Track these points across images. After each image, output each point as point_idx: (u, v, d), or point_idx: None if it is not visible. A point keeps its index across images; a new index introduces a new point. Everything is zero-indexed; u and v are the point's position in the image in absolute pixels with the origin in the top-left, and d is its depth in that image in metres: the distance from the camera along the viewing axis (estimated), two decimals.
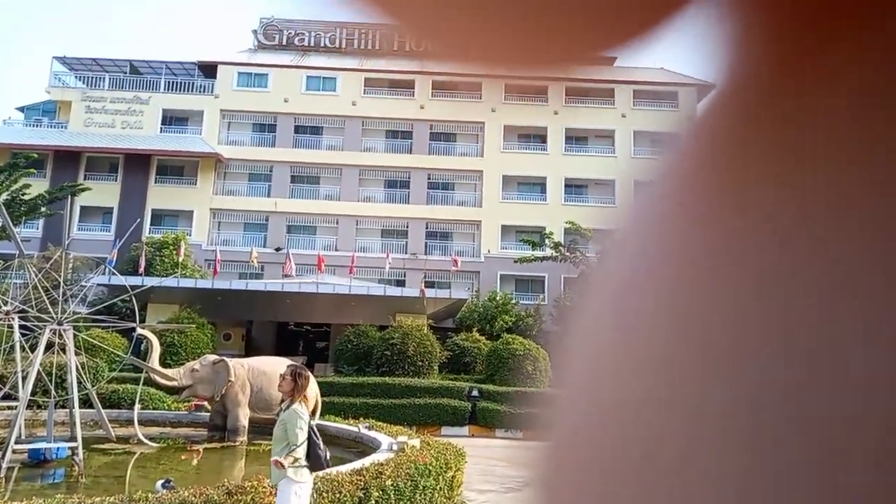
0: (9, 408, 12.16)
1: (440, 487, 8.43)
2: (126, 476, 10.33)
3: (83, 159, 35.56)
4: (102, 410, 11.99)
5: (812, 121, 0.18)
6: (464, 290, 27.74)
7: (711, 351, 0.17)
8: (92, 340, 14.68)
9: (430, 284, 26.60)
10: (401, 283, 30.67)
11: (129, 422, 12.86)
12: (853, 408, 0.15)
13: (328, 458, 5.96)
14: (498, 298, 29.58)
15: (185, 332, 21.27)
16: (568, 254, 25.88)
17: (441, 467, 8.67)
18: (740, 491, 0.16)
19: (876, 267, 0.15)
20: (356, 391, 19.58)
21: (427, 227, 35.85)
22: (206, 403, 13.95)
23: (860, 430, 0.14)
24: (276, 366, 12.20)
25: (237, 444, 12.91)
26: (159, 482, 7.85)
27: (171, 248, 28.81)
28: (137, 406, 13.30)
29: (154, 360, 13.39)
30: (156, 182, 35.80)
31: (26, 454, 10.37)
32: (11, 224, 11.64)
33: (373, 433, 11.93)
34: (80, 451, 9.91)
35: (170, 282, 22.51)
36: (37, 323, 11.63)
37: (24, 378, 10.65)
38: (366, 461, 8.51)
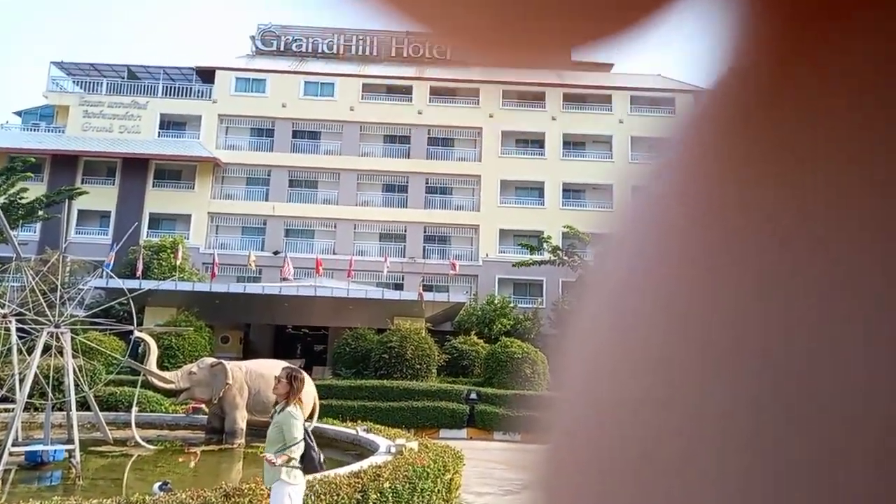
0: (6, 410, 12.14)
1: (438, 490, 8.42)
2: (123, 479, 10.30)
3: (81, 163, 35.56)
4: (100, 413, 11.97)
5: (811, 120, 0.18)
6: (462, 294, 27.73)
7: (710, 351, 0.17)
8: (89, 343, 14.67)
9: (428, 288, 26.57)
10: (399, 287, 30.66)
11: (127, 424, 12.84)
12: (853, 408, 0.15)
13: (322, 460, 5.96)
14: (496, 302, 29.59)
15: (182, 335, 21.24)
16: (566, 258, 25.91)
17: (439, 470, 8.67)
18: (740, 491, 0.16)
19: (876, 267, 0.15)
20: (354, 394, 19.56)
21: (425, 231, 35.87)
22: (203, 406, 13.93)
23: (860, 430, 0.14)
24: (273, 369, 12.17)
25: (235, 446, 12.89)
26: (157, 485, 7.83)
27: (169, 251, 28.79)
28: (135, 409, 13.27)
29: (151, 363, 13.36)
30: (153, 186, 35.80)
31: (23, 457, 10.36)
32: (9, 227, 11.63)
33: (371, 436, 11.92)
34: (78, 453, 9.89)
35: (167, 285, 22.50)
36: (34, 326, 11.61)
37: (21, 380, 10.62)
38: (364, 464, 8.50)
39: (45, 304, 11.72)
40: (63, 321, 11.51)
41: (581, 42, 0.22)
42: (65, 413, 10.99)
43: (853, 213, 0.16)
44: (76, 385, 11.12)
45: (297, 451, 5.54)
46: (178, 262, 27.44)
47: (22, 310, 11.88)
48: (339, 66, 38.96)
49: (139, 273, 25.24)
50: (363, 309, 23.88)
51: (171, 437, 14.22)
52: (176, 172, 36.28)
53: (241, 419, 13.19)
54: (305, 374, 12.95)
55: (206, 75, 38.28)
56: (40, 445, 10.57)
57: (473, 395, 20.10)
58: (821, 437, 0.15)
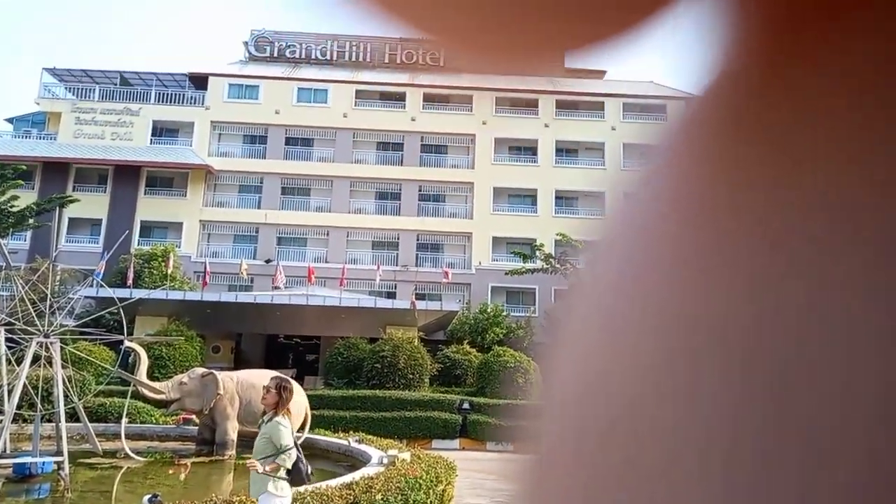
0: None
1: (431, 501, 8.38)
2: (112, 491, 10.23)
3: (72, 171, 35.40)
4: (89, 424, 11.88)
5: (808, 121, 0.18)
6: (455, 302, 27.70)
7: (698, 355, 0.17)
8: (79, 353, 14.55)
9: (420, 296, 26.53)
10: (391, 296, 30.61)
11: (117, 436, 12.75)
12: (842, 411, 0.14)
13: (310, 472, 5.92)
14: (489, 310, 29.57)
15: (173, 345, 21.13)
16: (559, 265, 25.94)
17: (431, 481, 8.63)
18: (724, 494, 0.15)
19: (869, 269, 0.15)
20: (346, 404, 19.49)
21: (418, 239, 35.85)
22: (194, 417, 13.84)
23: (848, 432, 0.14)
24: (265, 379, 12.01)
25: (226, 458, 12.80)
26: (146, 497, 7.76)
27: (160, 259, 28.64)
28: (125, 420, 13.18)
29: (142, 373, 13.27)
30: (145, 194, 35.66)
31: (11, 469, 10.26)
32: None
33: (363, 447, 11.87)
34: (66, 465, 9.80)
35: (158, 294, 22.37)
36: (23, 336, 11.52)
37: (9, 391, 10.54)
38: (356, 475, 8.47)
39: (34, 314, 11.65)
40: (52, 331, 11.44)
41: (576, 45, 0.22)
42: (54, 424, 10.90)
43: (851, 215, 0.16)
44: (65, 396, 11.04)
45: (290, 460, 5.50)
46: (169, 271, 27.32)
47: (11, 319, 11.79)
48: (333, 73, 38.99)
49: (130, 282, 25.11)
50: (355, 318, 23.81)
51: (162, 448, 14.12)
52: (168, 180, 36.16)
53: (232, 430, 13.11)
54: (297, 385, 12.90)
55: (199, 82, 38.22)
56: (28, 457, 10.47)
57: (466, 405, 20.06)
58: (808, 440, 0.15)
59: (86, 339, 17.01)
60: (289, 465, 5.50)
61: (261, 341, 30.81)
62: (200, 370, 13.69)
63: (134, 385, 13.26)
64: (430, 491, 8.44)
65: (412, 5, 0.21)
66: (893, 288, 0.15)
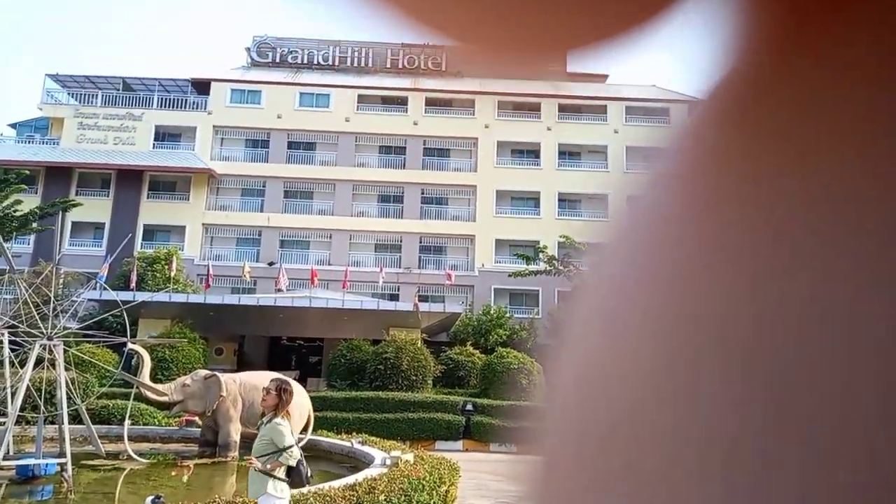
0: None
1: (434, 502, 8.35)
2: (116, 493, 10.21)
3: (75, 175, 35.49)
4: (92, 426, 11.88)
5: (813, 113, 0.18)
6: (458, 304, 27.67)
7: (700, 354, 0.17)
8: (82, 356, 14.57)
9: (423, 298, 26.50)
10: (394, 298, 30.59)
11: (119, 437, 12.73)
12: (843, 411, 0.14)
13: (310, 474, 5.90)
14: (492, 312, 29.53)
15: (176, 347, 21.14)
16: (562, 268, 25.90)
17: (435, 482, 8.61)
18: (726, 495, 0.15)
19: (874, 263, 0.15)
20: (349, 406, 19.46)
21: (421, 242, 35.84)
22: (196, 419, 13.82)
23: (850, 431, 0.14)
24: (267, 380, 12.11)
25: (228, 459, 12.78)
26: (149, 499, 7.74)
27: (163, 262, 28.68)
28: (127, 422, 13.16)
29: (145, 376, 13.27)
30: (148, 197, 35.73)
31: (14, 471, 10.25)
32: (2, 239, 11.58)
33: (366, 448, 11.85)
34: (69, 467, 9.79)
35: (161, 296, 22.40)
36: (27, 338, 11.53)
37: (13, 394, 10.54)
38: (359, 476, 8.45)
39: (37, 317, 11.65)
40: (56, 333, 11.44)
41: (581, 44, 0.22)
42: (57, 426, 10.90)
43: (854, 208, 0.16)
44: (69, 398, 11.05)
45: (293, 459, 5.49)
46: (172, 274, 27.35)
47: (14, 322, 11.80)
48: (335, 78, 39.05)
49: (133, 285, 25.14)
50: (358, 320, 23.80)
51: (164, 450, 14.11)
52: (171, 184, 36.23)
53: (235, 432, 13.09)
54: (300, 386, 12.88)
55: (202, 87, 38.32)
56: (32, 459, 10.47)
57: (469, 407, 20.02)
58: (808, 440, 0.15)
59: (89, 342, 17.02)
60: (292, 463, 5.48)
61: (264, 343, 30.82)
62: (203, 372, 13.68)
63: (137, 387, 13.26)
64: (434, 492, 8.41)
65: (420, 4, 0.21)
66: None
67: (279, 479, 5.45)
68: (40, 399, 11.00)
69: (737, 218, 0.18)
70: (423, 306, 23.71)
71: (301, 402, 11.66)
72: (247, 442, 12.86)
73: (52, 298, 11.83)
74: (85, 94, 37.99)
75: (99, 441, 11.74)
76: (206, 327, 23.84)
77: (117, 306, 13.70)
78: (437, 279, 32.33)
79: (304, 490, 6.59)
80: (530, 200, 36.76)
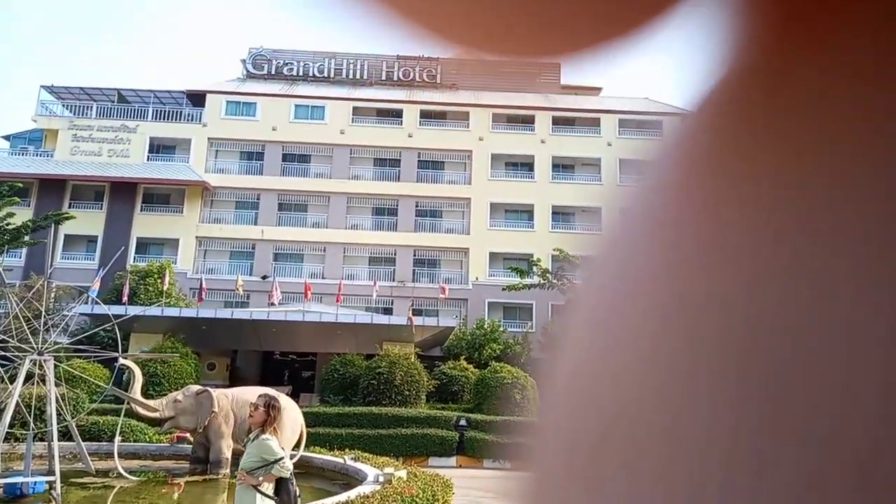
0: None
1: None
2: None
3: (68, 187, 35.39)
4: (82, 443, 11.76)
5: (812, 114, 0.18)
6: (451, 318, 27.63)
7: (696, 357, 0.17)
8: (72, 371, 14.46)
9: (417, 312, 26.48)
10: (388, 311, 30.52)
11: (110, 455, 12.60)
12: (842, 411, 0.14)
13: (298, 493, 5.84)
14: (486, 326, 29.48)
15: (168, 362, 20.99)
16: (556, 281, 25.89)
17: (428, 499, 8.55)
18: (723, 496, 0.15)
19: (873, 264, 0.15)
20: (342, 421, 19.34)
21: (415, 255, 35.83)
22: (188, 435, 13.69)
23: (848, 433, 0.14)
24: None
25: (220, 476, 12.66)
26: None
27: (156, 276, 28.55)
28: (118, 438, 13.03)
29: (136, 391, 13.15)
30: (141, 210, 35.64)
31: (2, 489, 10.12)
32: None
33: (359, 464, 11.76)
34: (59, 485, 9.69)
35: (153, 310, 22.27)
36: (17, 353, 11.44)
37: (2, 410, 10.44)
38: (351, 494, 8.37)
39: (28, 331, 11.57)
40: (46, 348, 11.36)
41: (578, 47, 0.21)
42: (46, 443, 10.78)
43: (855, 207, 0.16)
44: (58, 414, 10.94)
45: (286, 471, 5.44)
46: (165, 288, 27.23)
47: (4, 336, 11.71)
48: (330, 90, 39.16)
49: (125, 299, 25.00)
50: (352, 334, 23.72)
51: (155, 467, 13.97)
52: (164, 196, 36.16)
53: (227, 448, 12.97)
54: (292, 402, 12.78)
55: (197, 99, 38.35)
56: (20, 477, 10.33)
57: (463, 422, 19.92)
58: (806, 441, 0.15)
59: (80, 357, 16.90)
60: (285, 474, 5.43)
61: (256, 358, 30.66)
62: (195, 387, 13.56)
63: (128, 403, 13.13)
64: None
65: (415, 7, 0.21)
66: (895, 283, 0.15)
67: (267, 495, 5.39)
68: (30, 415, 10.88)
69: (735, 218, 0.18)
70: (417, 320, 23.66)
71: (294, 417, 11.57)
72: (238, 459, 12.75)
73: (44, 313, 11.75)
74: (80, 106, 37.96)
75: (89, 458, 11.62)
76: (199, 342, 23.71)
77: (109, 320, 13.61)
78: (431, 293, 32.29)
79: None
80: (524, 213, 36.83)
